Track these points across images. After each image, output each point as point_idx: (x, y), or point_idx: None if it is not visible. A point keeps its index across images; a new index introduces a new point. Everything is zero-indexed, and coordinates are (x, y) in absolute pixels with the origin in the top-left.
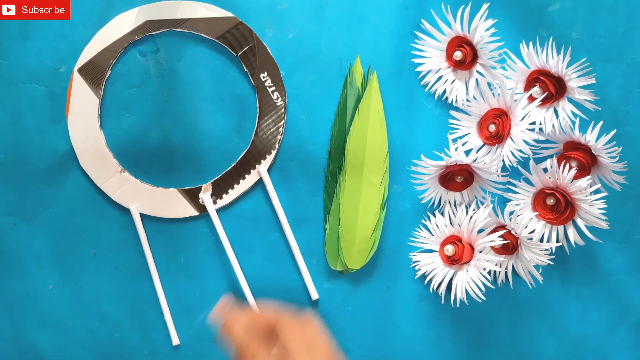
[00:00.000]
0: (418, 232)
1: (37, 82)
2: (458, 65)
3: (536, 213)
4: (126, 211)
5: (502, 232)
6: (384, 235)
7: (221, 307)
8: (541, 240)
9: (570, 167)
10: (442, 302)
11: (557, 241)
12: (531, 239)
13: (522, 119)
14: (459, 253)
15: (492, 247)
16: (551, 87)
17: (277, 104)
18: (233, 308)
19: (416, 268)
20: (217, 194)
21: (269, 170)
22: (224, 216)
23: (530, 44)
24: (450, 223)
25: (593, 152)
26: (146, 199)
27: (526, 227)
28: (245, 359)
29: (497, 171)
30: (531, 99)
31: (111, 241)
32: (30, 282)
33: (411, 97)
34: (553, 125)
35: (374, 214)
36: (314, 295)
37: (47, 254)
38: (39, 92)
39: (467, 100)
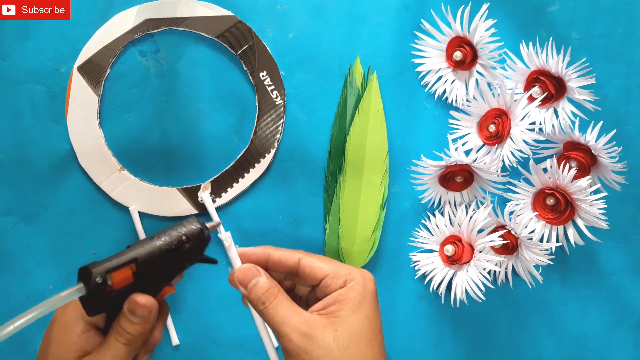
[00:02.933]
0: (418, 232)
1: (37, 82)
2: (458, 65)
3: (536, 213)
4: (126, 211)
5: (502, 232)
6: (384, 235)
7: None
8: (541, 240)
9: (570, 167)
10: (442, 302)
11: (557, 241)
12: (531, 239)
13: (522, 119)
14: (458, 253)
15: (492, 247)
16: (551, 87)
17: (277, 103)
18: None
19: (416, 268)
20: (216, 192)
21: (268, 169)
22: (223, 215)
23: (530, 44)
24: (450, 223)
25: (593, 152)
26: (145, 197)
27: (526, 227)
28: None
29: (497, 171)
30: (531, 99)
31: (111, 241)
32: (30, 282)
33: (411, 97)
34: (553, 125)
35: (374, 214)
36: None
37: (47, 254)
38: (39, 92)
39: (467, 100)
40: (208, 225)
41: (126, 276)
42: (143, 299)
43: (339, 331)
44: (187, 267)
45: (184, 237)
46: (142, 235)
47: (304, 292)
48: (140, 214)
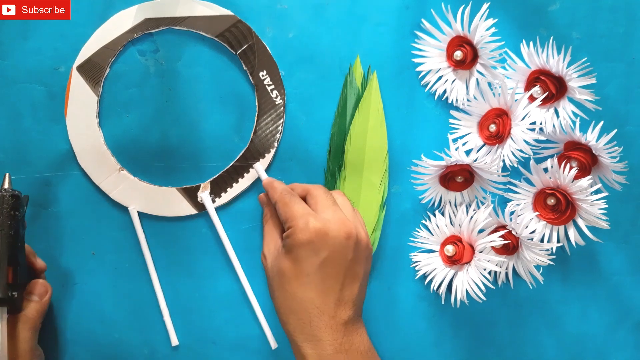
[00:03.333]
0: (418, 232)
1: (37, 82)
2: (458, 65)
3: (537, 213)
4: (125, 211)
5: (502, 232)
6: (384, 235)
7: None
8: (542, 241)
9: (571, 167)
10: (443, 302)
11: (558, 241)
12: (532, 239)
13: (523, 118)
14: (459, 253)
15: (493, 247)
16: (552, 87)
17: (276, 103)
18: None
19: (416, 268)
20: (215, 192)
21: (268, 169)
22: (223, 215)
23: (531, 43)
24: (451, 223)
25: (593, 152)
26: (145, 197)
27: (527, 227)
28: (281, 206)
29: (497, 171)
30: (532, 98)
31: (110, 241)
32: None
33: (411, 97)
34: (553, 125)
35: (374, 214)
36: None
37: (47, 254)
38: (38, 91)
39: (468, 100)
40: (6, 183)
41: (12, 275)
42: (39, 280)
43: (273, 265)
44: (25, 222)
45: (12, 212)
46: (141, 236)
47: None
48: (140, 214)
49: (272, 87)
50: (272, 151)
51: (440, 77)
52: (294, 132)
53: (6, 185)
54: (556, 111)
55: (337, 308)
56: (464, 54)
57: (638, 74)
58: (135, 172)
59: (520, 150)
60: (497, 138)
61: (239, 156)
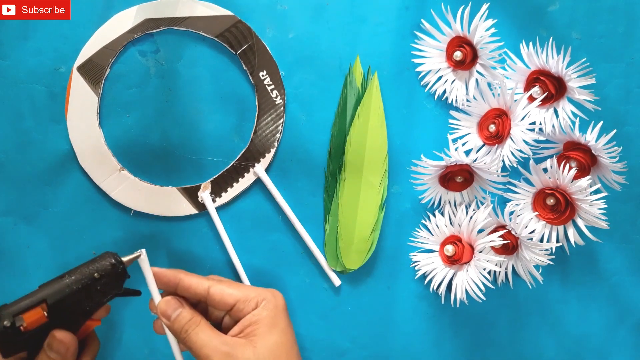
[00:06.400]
0: (418, 232)
1: (37, 82)
2: (458, 65)
3: (536, 213)
4: (126, 211)
5: (502, 232)
6: (384, 236)
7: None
8: (541, 241)
9: (570, 167)
10: (442, 302)
11: (557, 241)
12: (531, 239)
13: (522, 119)
14: (459, 253)
15: (492, 247)
16: (551, 87)
17: (276, 103)
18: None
19: (416, 268)
20: (216, 192)
21: (268, 169)
22: (223, 215)
23: (530, 44)
24: (450, 223)
25: (593, 152)
26: (145, 197)
27: (526, 227)
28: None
29: (497, 171)
30: (531, 99)
31: (111, 241)
32: (30, 282)
33: (411, 97)
34: (553, 126)
35: (373, 215)
36: (337, 281)
37: (47, 254)
38: (39, 92)
39: (467, 100)
40: (127, 258)
41: (39, 316)
42: (60, 335)
43: (258, 347)
44: (106, 301)
45: (96, 275)
46: (151, 282)
47: (218, 315)
48: (140, 214)
49: (272, 87)
50: (272, 151)
51: (440, 78)
52: (294, 132)
53: (125, 259)
54: (555, 111)
55: None
56: (463, 55)
57: (637, 74)
58: (136, 172)
59: (520, 151)
60: (496, 138)
61: (239, 156)
